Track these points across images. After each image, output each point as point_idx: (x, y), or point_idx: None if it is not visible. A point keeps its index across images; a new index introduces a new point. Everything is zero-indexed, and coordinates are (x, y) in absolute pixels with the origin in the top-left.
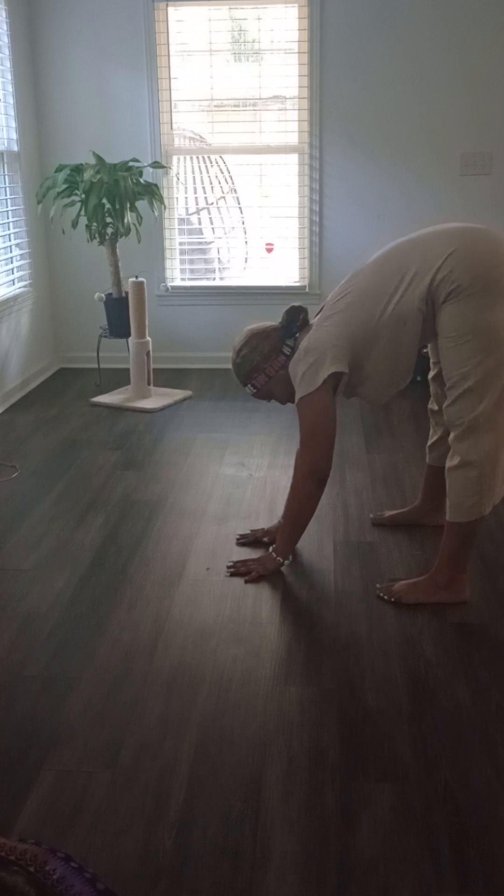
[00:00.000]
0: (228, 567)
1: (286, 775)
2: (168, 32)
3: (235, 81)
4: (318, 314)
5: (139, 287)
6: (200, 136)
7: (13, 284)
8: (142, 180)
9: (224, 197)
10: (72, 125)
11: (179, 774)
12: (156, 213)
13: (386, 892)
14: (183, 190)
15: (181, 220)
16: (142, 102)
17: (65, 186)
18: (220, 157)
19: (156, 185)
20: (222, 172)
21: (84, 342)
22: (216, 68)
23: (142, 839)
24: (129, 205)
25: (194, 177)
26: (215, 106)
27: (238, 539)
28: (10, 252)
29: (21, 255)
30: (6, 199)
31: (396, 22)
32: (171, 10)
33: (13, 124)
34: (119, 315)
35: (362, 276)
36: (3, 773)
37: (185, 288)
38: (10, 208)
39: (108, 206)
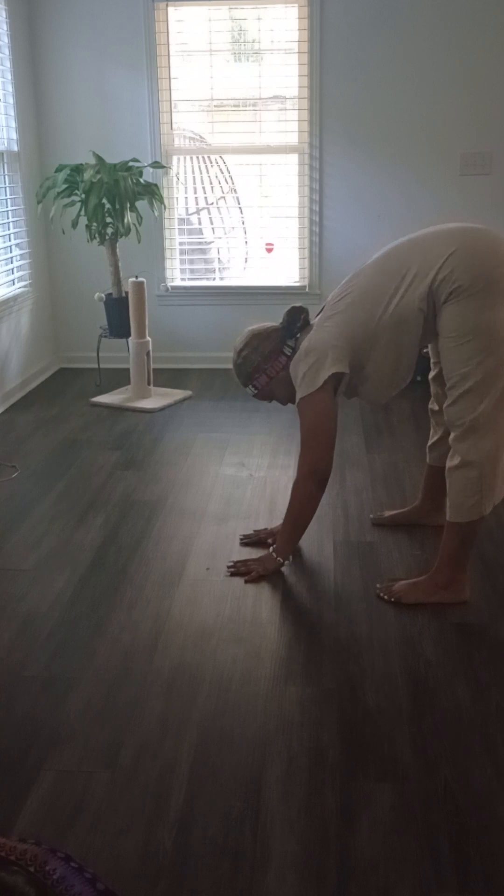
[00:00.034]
0: (228, 567)
1: (286, 775)
2: (168, 32)
3: (235, 81)
4: (318, 314)
5: (139, 287)
6: (200, 136)
7: (13, 284)
8: (142, 180)
9: (224, 197)
10: (72, 125)
11: (179, 774)
12: (156, 213)
13: (386, 892)
14: (183, 190)
15: (181, 220)
16: (142, 102)
17: (65, 186)
18: (220, 157)
19: (156, 185)
20: (222, 172)
21: (84, 342)
22: (216, 68)
23: (142, 839)
24: (129, 205)
25: (194, 177)
26: (215, 106)
27: (242, 539)
28: (10, 252)
29: (21, 255)
30: (6, 199)
31: (396, 22)
32: (171, 9)
33: (13, 124)
34: (119, 315)
35: (363, 276)
36: (3, 773)
37: (185, 288)
38: (10, 208)
39: (108, 206)
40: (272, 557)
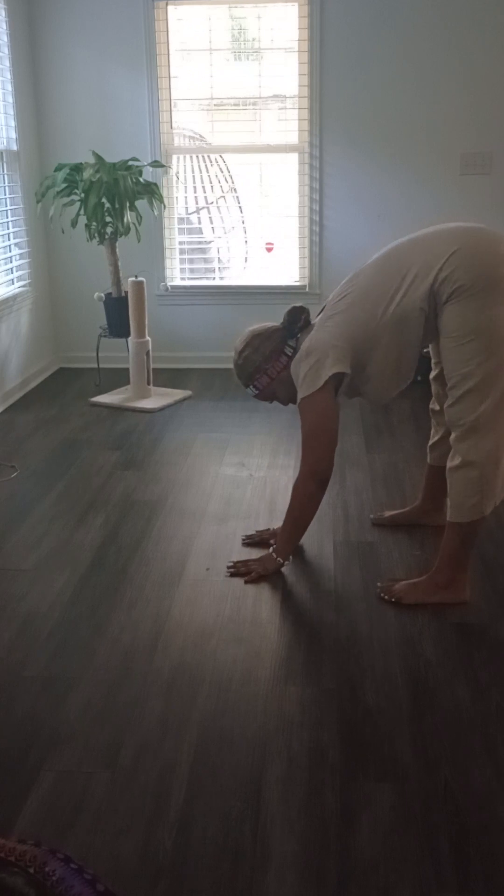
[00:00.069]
0: (228, 567)
1: (286, 775)
2: (168, 31)
3: (235, 80)
4: (319, 314)
5: (139, 286)
6: (200, 136)
7: (13, 284)
8: (141, 179)
9: (224, 196)
10: (72, 125)
11: (179, 774)
12: (155, 213)
13: (386, 892)
14: (183, 189)
15: (181, 220)
16: (142, 102)
17: (64, 186)
18: (220, 156)
19: (155, 184)
20: (222, 172)
21: (84, 342)
22: (216, 67)
23: (142, 839)
24: (128, 204)
25: (194, 176)
26: (215, 105)
27: (244, 540)
28: (10, 251)
29: (20, 254)
30: (6, 199)
31: (396, 22)
32: (170, 8)
33: (13, 124)
34: (119, 315)
35: (363, 276)
36: (3, 773)
37: (184, 287)
38: (9, 207)
39: (107, 205)
40: (272, 558)
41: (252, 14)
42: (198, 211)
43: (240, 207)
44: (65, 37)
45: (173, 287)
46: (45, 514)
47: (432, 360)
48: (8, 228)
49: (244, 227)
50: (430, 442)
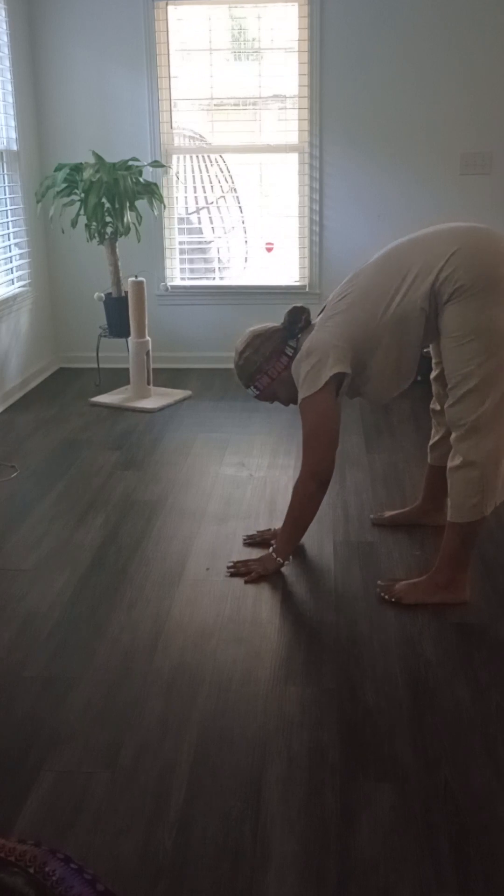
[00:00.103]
0: (228, 567)
1: (286, 775)
2: (168, 31)
3: (235, 80)
4: (319, 314)
5: (139, 286)
6: (200, 136)
7: (12, 284)
8: (141, 179)
9: (224, 196)
10: (72, 125)
11: (179, 774)
12: (155, 213)
13: (386, 892)
14: (183, 189)
15: (181, 220)
16: (142, 102)
17: (64, 185)
18: (220, 156)
19: (155, 184)
20: (222, 172)
21: (84, 342)
22: (216, 67)
23: (142, 839)
24: (128, 204)
25: (194, 176)
26: (215, 105)
27: (245, 540)
28: (10, 251)
29: (20, 254)
30: (6, 199)
31: (396, 22)
32: (170, 9)
33: (13, 124)
34: (119, 315)
35: (363, 276)
36: (3, 773)
37: (184, 287)
38: (9, 207)
39: (107, 205)
40: (272, 558)
41: (252, 14)
42: (198, 211)
43: (240, 207)
44: (65, 37)
45: (173, 287)
46: (45, 514)
47: (433, 360)
48: (8, 228)
49: (244, 227)
50: (431, 442)
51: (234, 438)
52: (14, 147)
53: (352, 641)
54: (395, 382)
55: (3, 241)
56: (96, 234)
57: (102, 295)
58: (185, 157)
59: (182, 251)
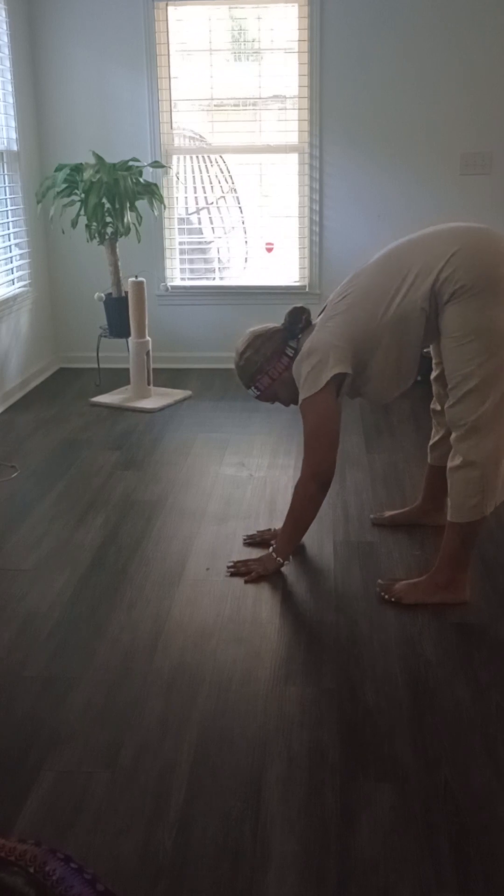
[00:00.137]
0: (228, 567)
1: (286, 775)
2: (168, 32)
3: (235, 81)
4: (320, 314)
5: (139, 287)
6: (200, 136)
7: (13, 284)
8: (141, 180)
9: (224, 196)
10: (72, 125)
11: (179, 774)
12: (155, 213)
13: (386, 892)
14: (183, 189)
15: (181, 220)
16: (142, 102)
17: (64, 186)
18: (220, 156)
19: (156, 184)
20: (222, 172)
21: (84, 342)
22: (216, 68)
23: (142, 839)
24: (128, 204)
25: (194, 176)
26: (215, 105)
27: (245, 539)
28: (10, 252)
29: (21, 254)
30: (6, 199)
31: (396, 22)
32: (170, 9)
33: (13, 124)
34: (119, 315)
35: (364, 276)
36: (3, 773)
37: (184, 288)
38: (9, 208)
39: (107, 205)
40: (272, 558)
41: (252, 15)
42: (198, 211)
43: (240, 208)
44: (65, 37)
45: (173, 287)
46: (45, 514)
47: (433, 361)
48: (8, 229)
49: (244, 228)
50: (431, 442)
51: (234, 438)
52: (14, 147)
53: (352, 641)
54: (396, 383)
55: (4, 242)
56: (96, 235)
57: (103, 295)
58: (185, 157)
59: (182, 251)
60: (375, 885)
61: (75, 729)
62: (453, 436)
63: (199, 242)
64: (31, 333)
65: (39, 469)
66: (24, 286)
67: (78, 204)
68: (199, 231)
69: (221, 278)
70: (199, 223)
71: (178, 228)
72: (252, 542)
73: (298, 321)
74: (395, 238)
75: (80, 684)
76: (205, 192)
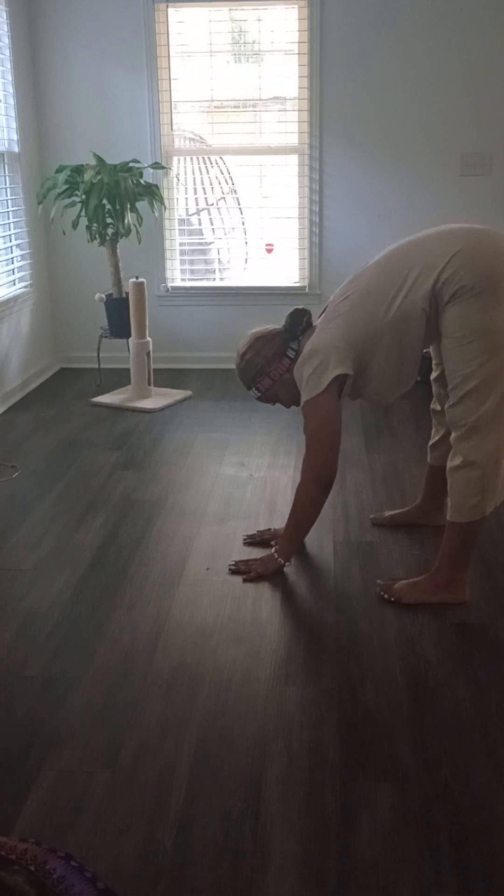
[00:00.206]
0: (230, 566)
1: (286, 775)
2: (168, 33)
3: (235, 82)
4: (321, 316)
5: (139, 287)
6: (200, 137)
7: (14, 285)
8: (142, 181)
9: (224, 197)
10: (72, 126)
11: (179, 774)
12: (156, 214)
13: (386, 892)
14: (183, 191)
15: (181, 221)
16: (142, 103)
17: (65, 187)
18: (221, 157)
19: (156, 185)
20: (222, 173)
21: (84, 342)
22: (216, 69)
23: (142, 839)
24: (129, 205)
25: (194, 177)
26: (215, 107)
27: (245, 539)
28: (11, 252)
29: (21, 255)
30: (7, 200)
31: (396, 22)
32: (171, 10)
33: (13, 125)
34: (119, 315)
35: (364, 277)
36: (3, 773)
37: (185, 288)
38: (10, 209)
39: (108, 206)
40: (274, 558)
41: (252, 16)
42: (198, 212)
43: (240, 209)
44: (65, 38)
45: (174, 288)
46: (45, 514)
47: (433, 361)
48: (9, 230)
49: (244, 229)
50: (431, 442)
51: (234, 438)
52: (15, 149)
53: (352, 641)
54: (397, 383)
55: (5, 243)
56: (97, 236)
57: (103, 296)
58: (185, 158)
59: (182, 252)
60: (375, 885)
61: (75, 729)
62: (453, 436)
63: (200, 243)
64: (32, 334)
65: (39, 469)
66: (25, 287)
67: (79, 205)
68: (200, 232)
69: (221, 279)
70: (200, 224)
71: (179, 229)
72: (252, 541)
73: (299, 323)
74: (396, 238)
75: (80, 684)
76: (205, 194)
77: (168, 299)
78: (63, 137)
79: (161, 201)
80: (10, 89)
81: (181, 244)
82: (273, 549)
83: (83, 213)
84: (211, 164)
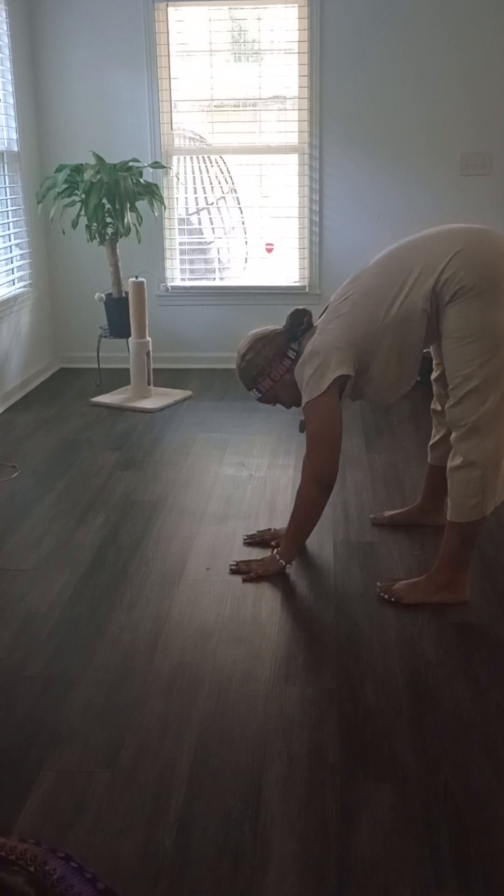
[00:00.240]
0: (231, 566)
1: (286, 775)
2: (168, 32)
3: (235, 81)
4: (321, 316)
5: (139, 287)
6: (200, 136)
7: (13, 284)
8: (142, 180)
9: (224, 197)
10: (72, 125)
11: (179, 774)
12: (156, 214)
13: (386, 892)
14: (183, 190)
15: (181, 221)
16: (142, 102)
17: (65, 186)
18: (220, 157)
19: (156, 185)
20: (222, 172)
21: (84, 342)
22: (216, 68)
23: (142, 839)
24: (129, 205)
25: (194, 177)
26: (215, 106)
27: (245, 540)
28: (11, 252)
29: (21, 255)
30: (6, 200)
31: (396, 22)
32: (171, 10)
33: (13, 124)
34: (119, 315)
35: (365, 277)
36: (3, 773)
37: (185, 288)
38: (10, 208)
39: (108, 206)
40: (275, 559)
41: (252, 15)
42: (198, 212)
43: (240, 208)
44: (65, 37)
45: (173, 288)
46: (45, 514)
47: (433, 361)
48: (9, 229)
49: (244, 228)
50: (431, 442)
51: (234, 438)
52: (15, 148)
53: (352, 641)
54: (397, 384)
55: (4, 242)
56: (97, 235)
57: (103, 295)
58: (185, 157)
59: (182, 252)
60: (375, 885)
61: (75, 729)
62: (454, 436)
63: (200, 243)
64: (32, 334)
65: (39, 469)
66: (25, 286)
67: (78, 204)
68: (200, 231)
69: (221, 279)
70: (200, 224)
71: (179, 229)
72: (252, 542)
73: (300, 323)
74: (396, 238)
75: (80, 684)
76: (205, 193)
77: (168, 299)
78: (63, 137)
79: (161, 201)
80: (10, 89)
81: (181, 244)
82: (274, 551)
83: (83, 213)
84: (211, 163)
